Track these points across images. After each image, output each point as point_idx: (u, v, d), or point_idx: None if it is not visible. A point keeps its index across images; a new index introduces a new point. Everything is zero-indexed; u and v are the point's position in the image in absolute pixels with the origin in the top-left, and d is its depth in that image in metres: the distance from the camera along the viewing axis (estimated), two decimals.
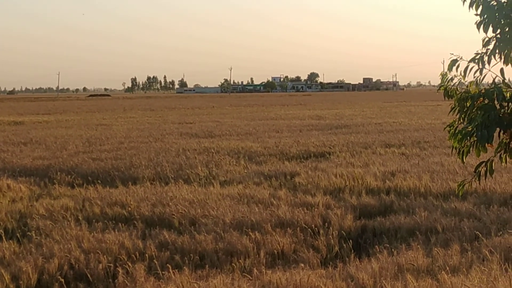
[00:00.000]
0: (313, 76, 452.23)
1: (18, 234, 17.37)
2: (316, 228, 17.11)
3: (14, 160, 32.96)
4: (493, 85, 9.11)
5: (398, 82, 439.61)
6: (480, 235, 15.36)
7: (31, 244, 16.11)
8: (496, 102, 9.14)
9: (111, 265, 14.55)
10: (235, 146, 37.32)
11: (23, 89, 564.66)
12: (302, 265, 14.13)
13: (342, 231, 17.10)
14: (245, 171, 27.69)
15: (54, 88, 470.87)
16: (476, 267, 12.62)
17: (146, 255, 15.09)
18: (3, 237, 16.75)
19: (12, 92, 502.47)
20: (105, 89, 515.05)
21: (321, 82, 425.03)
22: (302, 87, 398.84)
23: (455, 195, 19.60)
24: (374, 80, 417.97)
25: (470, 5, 9.14)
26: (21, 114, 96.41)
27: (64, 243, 15.75)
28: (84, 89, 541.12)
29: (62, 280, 13.72)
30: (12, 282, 13.70)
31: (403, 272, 12.83)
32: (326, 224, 17.57)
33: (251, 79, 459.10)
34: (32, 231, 17.32)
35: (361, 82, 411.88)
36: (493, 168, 9.66)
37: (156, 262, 14.50)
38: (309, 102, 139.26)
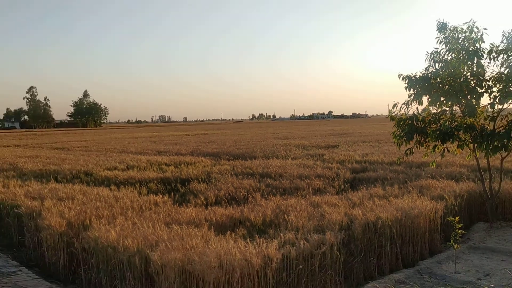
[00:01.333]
0: (330, 112, 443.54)
1: (206, 181, 17.74)
2: (333, 178, 16.96)
3: (204, 150, 33.50)
4: (413, 115, 9.02)
5: (368, 113, 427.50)
6: (408, 181, 14.92)
7: (212, 184, 16.38)
8: (414, 122, 9.03)
9: (246, 193, 14.76)
10: (297, 143, 37.04)
11: (205, 119, 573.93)
12: (328, 194, 14.03)
13: (345, 179, 16.86)
14: (302, 153, 27.60)
15: (220, 118, 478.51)
16: (406, 195, 12.21)
17: (261, 189, 15.19)
18: (200, 182, 17.20)
19: (197, 121, 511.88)
20: (241, 119, 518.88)
21: (334, 115, 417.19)
22: (325, 117, 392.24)
23: (396, 163, 19.01)
24: (357, 113, 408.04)
25: (402, 79, 9.07)
26: (205, 129, 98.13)
27: (226, 184, 15.96)
28: (232, 119, 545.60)
29: (225, 199, 14.04)
30: (204, 200, 14.02)
31: (372, 197, 12.53)
32: (338, 176, 17.36)
33: (303, 113, 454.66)
34: (212, 179, 17.68)
35: (351, 114, 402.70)
36: (413, 151, 9.53)
37: (265, 192, 14.61)
38: (328, 124, 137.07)
